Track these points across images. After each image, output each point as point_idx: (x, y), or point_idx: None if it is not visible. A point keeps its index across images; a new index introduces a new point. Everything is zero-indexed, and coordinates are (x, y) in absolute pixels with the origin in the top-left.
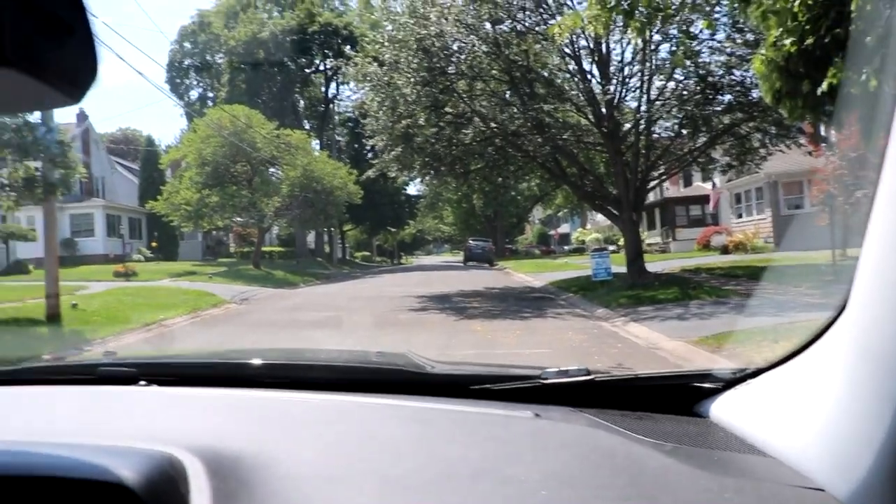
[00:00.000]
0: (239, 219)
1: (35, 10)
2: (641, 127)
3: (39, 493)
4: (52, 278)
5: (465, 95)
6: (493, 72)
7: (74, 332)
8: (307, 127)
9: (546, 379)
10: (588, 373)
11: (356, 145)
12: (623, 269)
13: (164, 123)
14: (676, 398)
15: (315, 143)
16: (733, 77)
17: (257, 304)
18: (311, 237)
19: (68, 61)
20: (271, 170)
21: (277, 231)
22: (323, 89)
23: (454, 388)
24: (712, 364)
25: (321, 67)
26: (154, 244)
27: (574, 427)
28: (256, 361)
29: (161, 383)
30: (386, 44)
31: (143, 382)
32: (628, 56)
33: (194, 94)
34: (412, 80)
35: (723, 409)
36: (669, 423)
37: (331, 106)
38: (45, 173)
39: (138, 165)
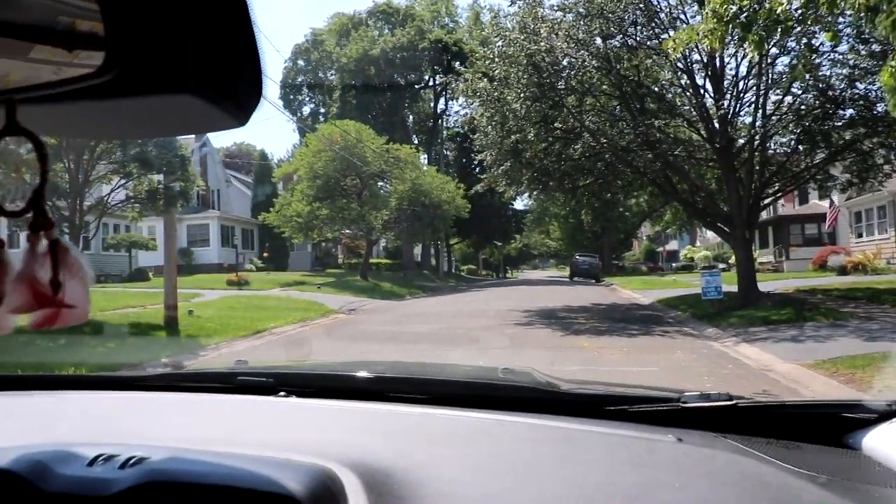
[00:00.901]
0: (348, 231)
1: (214, 39)
2: (756, 143)
3: (205, 501)
4: (171, 286)
5: (574, 111)
6: (604, 87)
7: (190, 338)
8: (416, 142)
9: (686, 402)
10: (730, 398)
11: (464, 160)
12: (734, 289)
13: (277, 138)
14: (822, 428)
15: (423, 158)
16: (856, 90)
17: (365, 314)
18: (417, 250)
19: (238, 87)
20: (380, 183)
21: (385, 243)
22: (432, 105)
23: (586, 408)
24: (828, 389)
25: (430, 83)
26: (265, 254)
27: (719, 454)
28: (393, 375)
29: (298, 394)
30: (496, 59)
31: (282, 393)
32: (743, 70)
33: (306, 109)
34: (522, 95)
35: (878, 441)
36: (818, 453)
37: (439, 121)
38: (166, 186)
39: (252, 178)
